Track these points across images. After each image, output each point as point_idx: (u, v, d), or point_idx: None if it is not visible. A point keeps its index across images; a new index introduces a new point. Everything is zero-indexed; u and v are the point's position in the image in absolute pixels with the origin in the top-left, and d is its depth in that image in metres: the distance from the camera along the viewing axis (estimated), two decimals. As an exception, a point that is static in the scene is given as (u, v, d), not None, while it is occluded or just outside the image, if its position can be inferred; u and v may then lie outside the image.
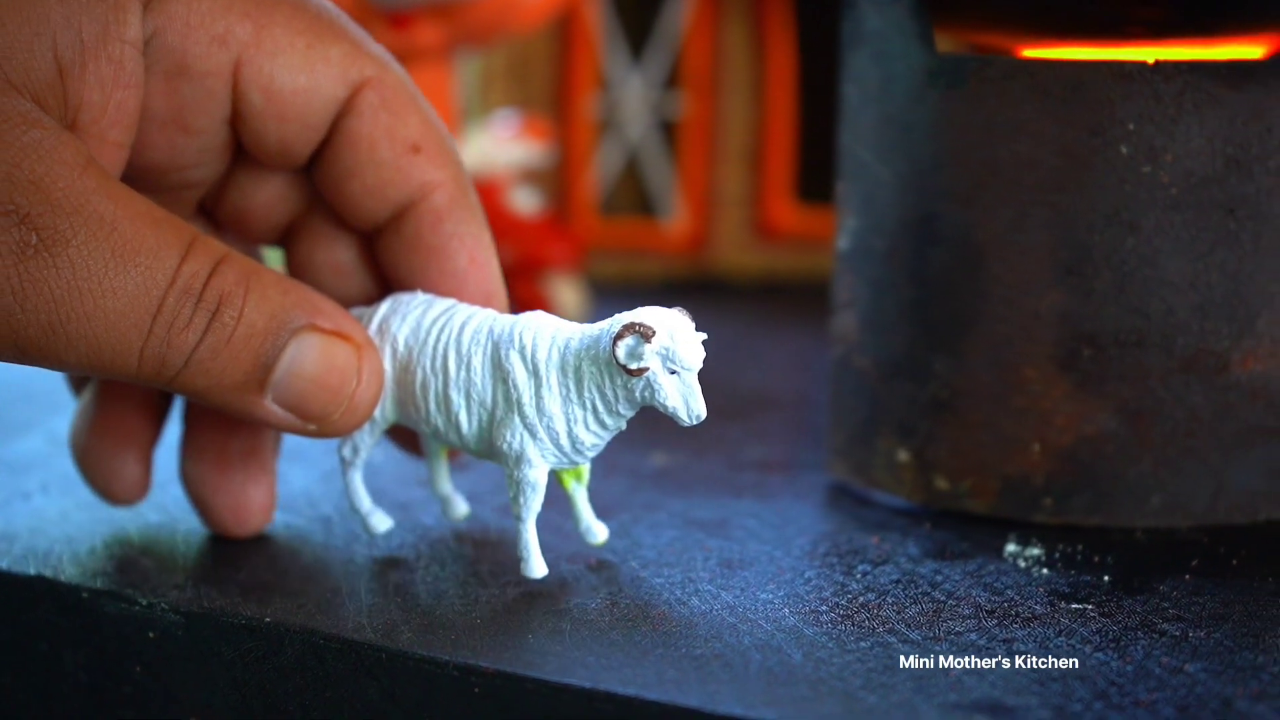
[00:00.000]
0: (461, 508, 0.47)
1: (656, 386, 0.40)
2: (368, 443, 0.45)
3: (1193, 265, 0.46)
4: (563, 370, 0.41)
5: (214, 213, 0.46)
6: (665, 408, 0.40)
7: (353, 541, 0.47)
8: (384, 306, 0.44)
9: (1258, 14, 0.47)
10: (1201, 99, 0.45)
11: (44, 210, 0.37)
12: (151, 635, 0.43)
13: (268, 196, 0.46)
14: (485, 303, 0.45)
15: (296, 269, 0.46)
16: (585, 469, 0.44)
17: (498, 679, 0.38)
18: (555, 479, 0.43)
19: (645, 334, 0.39)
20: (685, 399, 0.40)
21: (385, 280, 0.46)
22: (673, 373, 0.40)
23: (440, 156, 0.44)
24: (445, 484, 0.47)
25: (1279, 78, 0.45)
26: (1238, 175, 0.46)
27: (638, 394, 0.40)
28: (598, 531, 0.45)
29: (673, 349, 0.39)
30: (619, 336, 0.39)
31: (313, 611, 0.41)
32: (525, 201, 0.77)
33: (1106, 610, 0.41)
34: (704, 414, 0.40)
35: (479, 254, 0.45)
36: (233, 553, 0.46)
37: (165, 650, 0.42)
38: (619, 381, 0.40)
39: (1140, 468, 0.47)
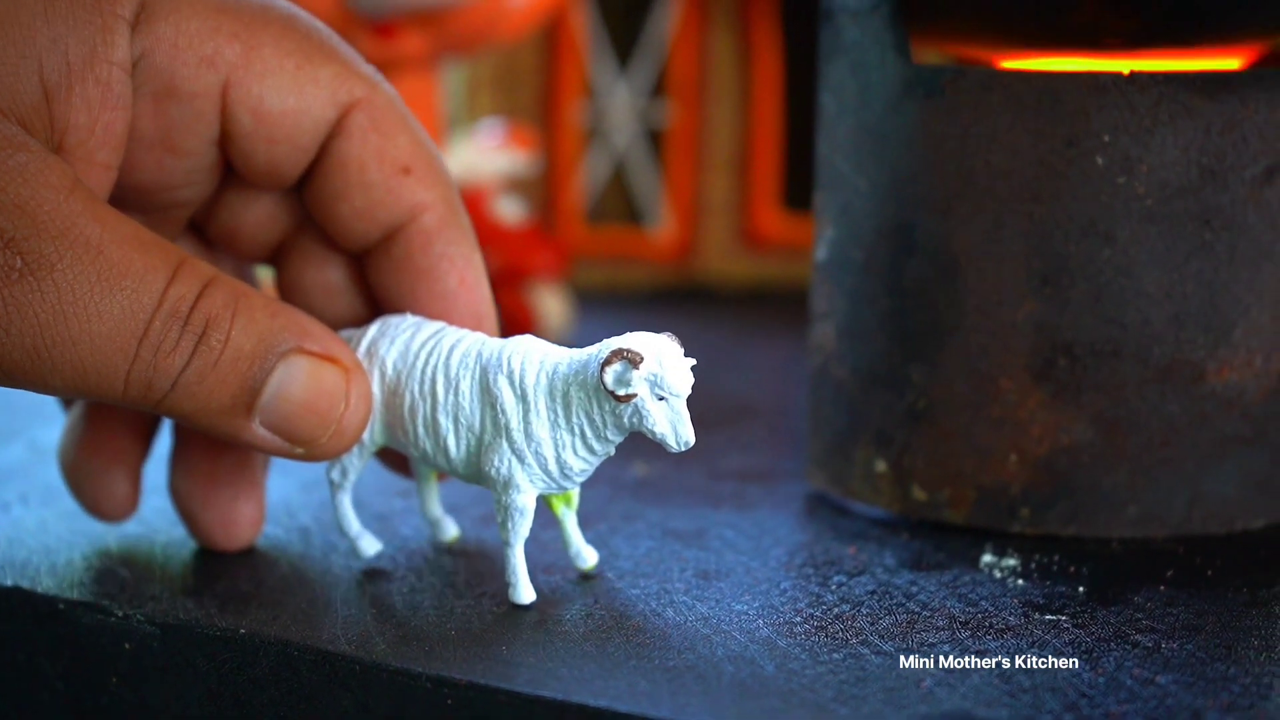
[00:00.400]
0: (451, 530, 0.47)
1: (644, 413, 0.39)
2: (356, 466, 0.44)
3: (1168, 276, 0.46)
4: (551, 395, 0.41)
5: (204, 231, 0.46)
6: (653, 434, 0.40)
7: (330, 552, 0.47)
8: (372, 329, 0.44)
9: (1232, 25, 0.47)
10: (1176, 110, 0.45)
11: (29, 234, 0.37)
12: (128, 646, 0.43)
13: (258, 216, 0.45)
14: (475, 324, 0.44)
15: (286, 288, 0.46)
16: (574, 494, 0.43)
17: (470, 691, 0.38)
18: (545, 503, 0.43)
19: (633, 360, 0.39)
20: (673, 425, 0.40)
21: (376, 301, 0.46)
22: (661, 399, 0.39)
23: (430, 177, 0.44)
24: (435, 507, 0.47)
25: (1253, 88, 0.45)
26: (1213, 186, 0.46)
27: (626, 420, 0.40)
28: (587, 556, 0.44)
29: (660, 375, 0.39)
30: (606, 362, 0.39)
31: (288, 623, 0.41)
32: (509, 210, 0.77)
33: (1080, 621, 0.41)
34: (692, 440, 0.40)
35: (469, 275, 0.45)
36: (210, 564, 0.46)
37: (141, 661, 0.42)
38: (607, 407, 0.40)
39: (1116, 478, 0.47)
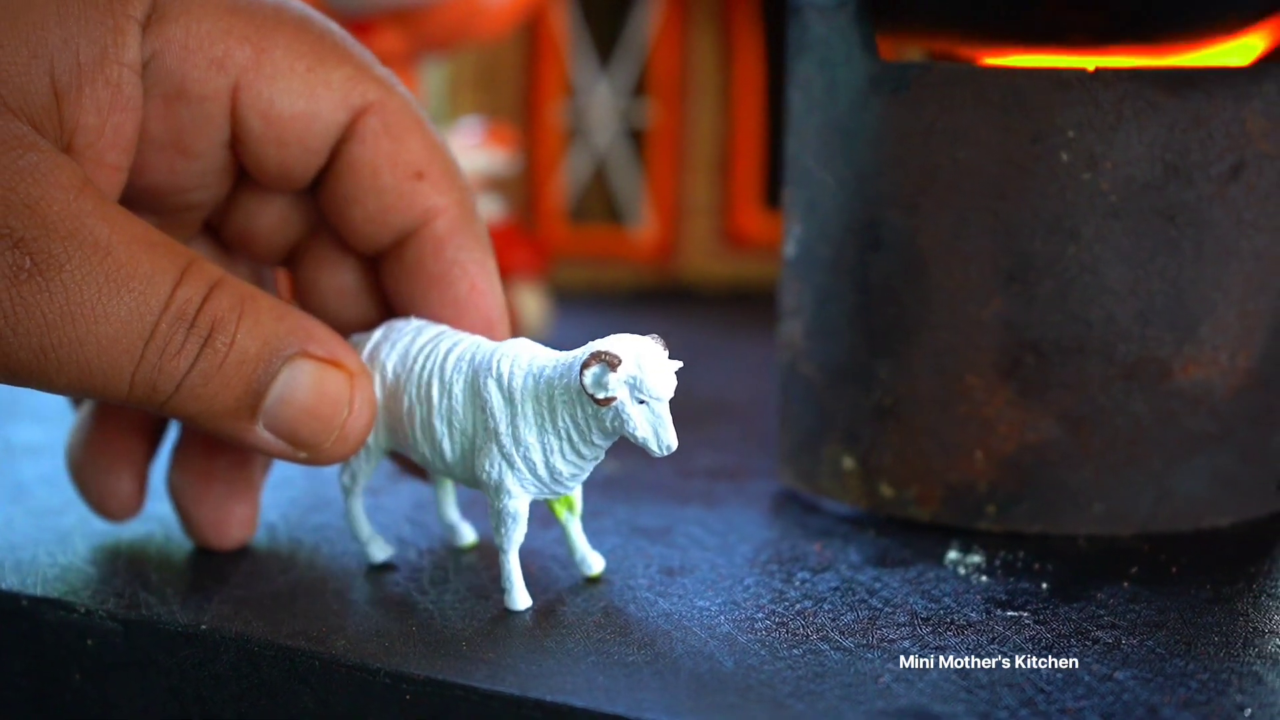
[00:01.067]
0: (468, 536, 0.47)
1: (625, 416, 0.39)
2: (366, 470, 0.44)
3: (1134, 272, 0.46)
4: (537, 399, 0.40)
5: (219, 233, 0.46)
6: (635, 438, 0.39)
7: (295, 549, 0.47)
8: (377, 334, 0.43)
9: (1197, 22, 0.47)
10: (1141, 106, 0.45)
11: (38, 234, 0.37)
12: (90, 643, 0.43)
13: (272, 218, 0.45)
14: (486, 330, 0.44)
15: (301, 291, 0.46)
16: (577, 499, 0.43)
17: (428, 686, 0.38)
18: (548, 509, 0.43)
19: (611, 362, 0.38)
20: (655, 429, 0.39)
21: (389, 305, 0.46)
22: (641, 402, 0.39)
23: (444, 182, 0.44)
24: (451, 511, 0.47)
25: (1218, 85, 0.45)
26: (1177, 182, 0.46)
27: (608, 423, 0.39)
28: (593, 562, 0.44)
29: (640, 378, 0.39)
30: (585, 365, 0.39)
31: (249, 618, 0.41)
32: (488, 209, 0.77)
33: (1042, 618, 0.41)
34: (675, 445, 0.39)
35: (480, 281, 0.44)
36: (172, 560, 0.46)
37: (104, 658, 0.42)
38: (589, 411, 0.39)
39: (1083, 475, 0.47)
